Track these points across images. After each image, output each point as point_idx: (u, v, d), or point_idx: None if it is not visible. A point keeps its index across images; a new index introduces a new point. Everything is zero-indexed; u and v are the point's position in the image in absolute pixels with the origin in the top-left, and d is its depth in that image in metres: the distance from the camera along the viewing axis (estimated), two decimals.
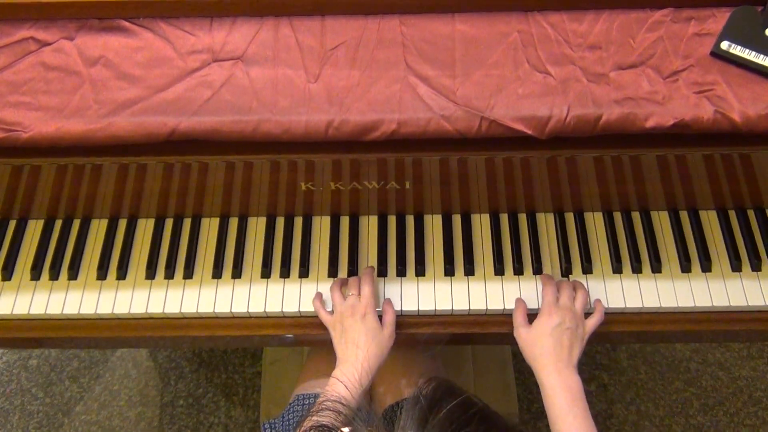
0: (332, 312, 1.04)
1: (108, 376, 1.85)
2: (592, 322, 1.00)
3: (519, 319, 1.01)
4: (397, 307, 1.07)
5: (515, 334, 1.01)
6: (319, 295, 1.07)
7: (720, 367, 1.83)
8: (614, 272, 1.09)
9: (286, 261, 1.10)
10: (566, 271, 1.09)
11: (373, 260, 1.11)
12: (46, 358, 1.88)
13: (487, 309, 1.07)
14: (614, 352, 1.86)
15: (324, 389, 0.95)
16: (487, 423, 0.69)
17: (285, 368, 1.64)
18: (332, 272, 1.10)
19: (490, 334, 1.09)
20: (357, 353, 0.96)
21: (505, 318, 1.06)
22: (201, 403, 1.81)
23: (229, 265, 1.11)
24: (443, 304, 1.07)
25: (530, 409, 1.76)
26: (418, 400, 0.72)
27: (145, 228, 1.14)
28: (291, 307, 1.08)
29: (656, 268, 1.08)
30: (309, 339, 1.14)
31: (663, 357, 1.85)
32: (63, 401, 1.82)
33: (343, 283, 1.07)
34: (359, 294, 1.02)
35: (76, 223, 1.14)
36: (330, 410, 0.71)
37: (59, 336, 1.09)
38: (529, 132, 0.90)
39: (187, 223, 1.14)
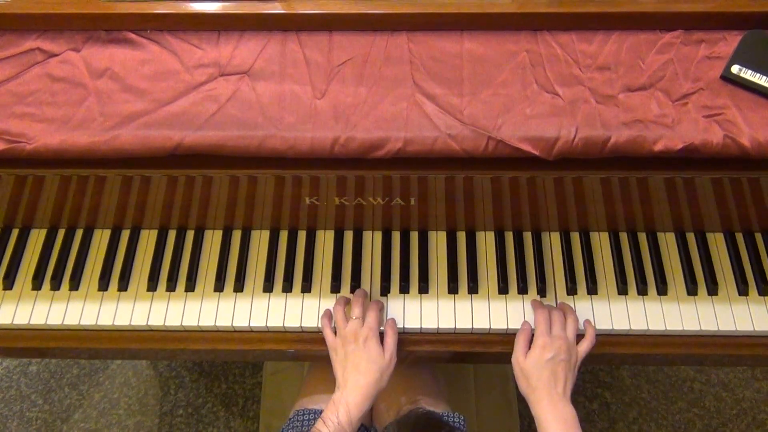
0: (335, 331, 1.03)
1: (108, 384, 1.85)
2: (584, 348, 1.00)
3: (520, 345, 1.00)
4: (400, 325, 1.06)
5: (512, 360, 1.00)
6: (327, 313, 1.06)
7: (724, 387, 1.81)
8: (619, 294, 1.08)
9: (288, 275, 1.10)
10: (571, 292, 1.08)
11: (376, 276, 1.10)
12: (47, 364, 1.88)
13: (490, 328, 1.06)
14: (617, 371, 1.84)
15: (324, 408, 0.94)
16: None
17: (285, 379, 1.63)
18: (335, 287, 1.10)
19: (493, 353, 1.08)
20: (357, 379, 0.95)
21: (508, 337, 1.05)
22: (200, 413, 1.80)
23: (231, 278, 1.10)
24: (446, 323, 1.06)
25: (531, 427, 1.74)
26: None
27: (147, 239, 1.14)
28: (293, 322, 1.07)
29: (662, 290, 1.07)
30: (310, 354, 1.13)
31: (666, 376, 1.83)
32: (62, 408, 1.81)
33: (347, 302, 1.06)
34: (362, 317, 1.01)
35: (79, 233, 1.14)
36: None
37: (60, 346, 1.09)
38: (537, 153, 0.89)
39: (190, 235, 1.14)
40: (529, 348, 0.99)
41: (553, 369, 0.95)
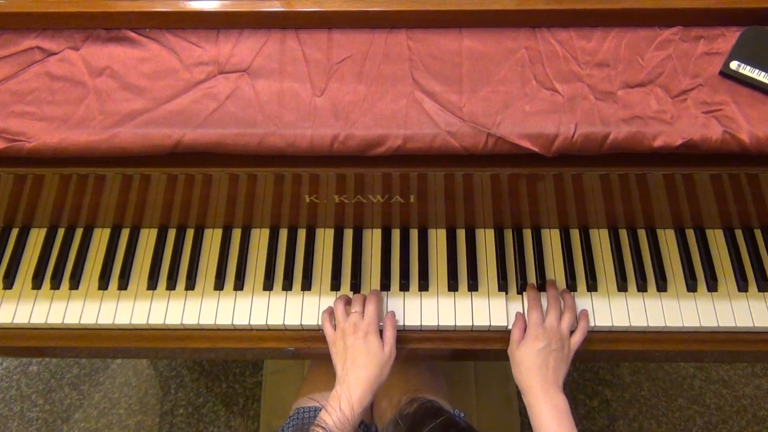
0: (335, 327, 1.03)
1: (108, 383, 1.85)
2: (576, 340, 1.02)
3: (515, 336, 1.02)
4: (400, 322, 1.06)
5: (509, 351, 1.02)
6: (328, 309, 1.06)
7: (724, 384, 1.82)
8: (619, 290, 1.08)
9: (288, 273, 1.10)
10: (570, 288, 1.08)
11: (376, 274, 1.10)
12: (47, 364, 1.88)
13: (490, 325, 1.06)
14: (617, 368, 1.84)
15: (324, 404, 0.95)
16: None
17: (286, 379, 1.63)
18: (335, 285, 1.10)
19: (493, 350, 1.08)
20: (357, 373, 0.95)
21: (508, 335, 1.05)
22: (201, 412, 1.80)
23: (231, 276, 1.10)
24: (446, 320, 1.06)
25: None
26: (397, 423, 0.72)
27: (147, 238, 1.14)
28: (293, 320, 1.07)
29: (662, 286, 1.08)
30: (310, 352, 1.13)
31: (666, 373, 1.83)
32: (62, 408, 1.81)
33: (348, 300, 1.06)
34: (363, 312, 1.01)
35: (79, 232, 1.14)
36: None
37: (60, 345, 1.09)
38: (536, 149, 0.89)
39: (189, 233, 1.14)
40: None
41: (544, 358, 0.96)
